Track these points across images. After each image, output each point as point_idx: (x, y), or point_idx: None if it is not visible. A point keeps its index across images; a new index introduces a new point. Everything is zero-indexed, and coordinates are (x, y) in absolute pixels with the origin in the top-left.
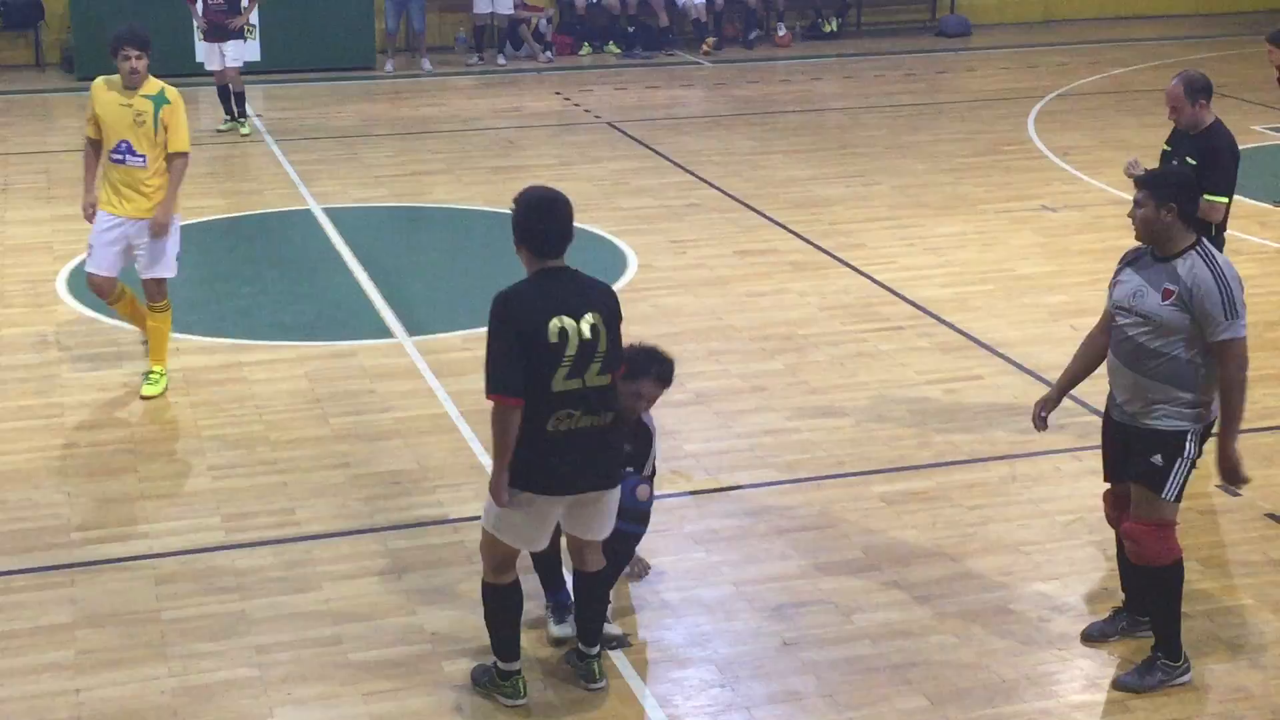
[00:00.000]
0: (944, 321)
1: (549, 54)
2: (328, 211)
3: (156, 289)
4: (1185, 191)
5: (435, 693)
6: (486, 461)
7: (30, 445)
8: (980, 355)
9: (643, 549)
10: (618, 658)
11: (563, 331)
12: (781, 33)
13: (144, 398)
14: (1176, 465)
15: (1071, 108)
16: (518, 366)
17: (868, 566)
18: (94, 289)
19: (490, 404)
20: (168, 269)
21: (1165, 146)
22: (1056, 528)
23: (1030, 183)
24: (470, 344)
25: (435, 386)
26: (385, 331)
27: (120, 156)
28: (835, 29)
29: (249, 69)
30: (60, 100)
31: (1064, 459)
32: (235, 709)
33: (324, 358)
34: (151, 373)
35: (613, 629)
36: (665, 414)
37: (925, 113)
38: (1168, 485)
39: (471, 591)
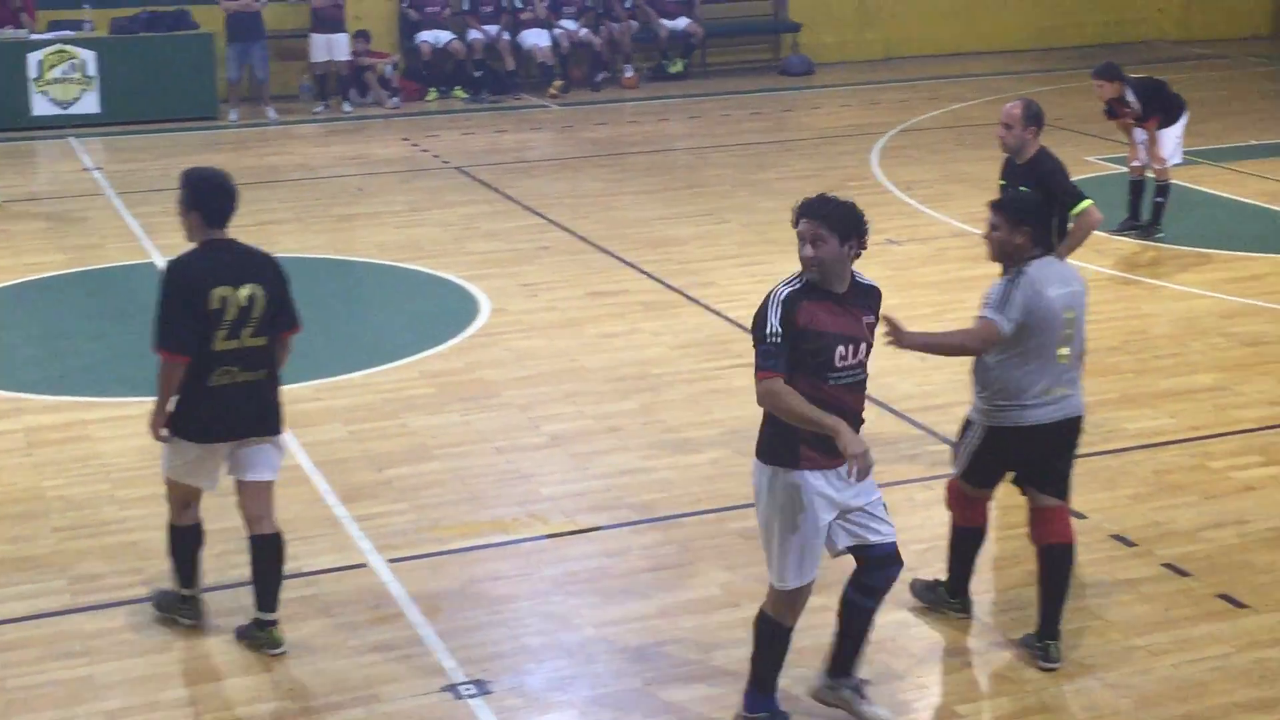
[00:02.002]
0: None
1: (395, 100)
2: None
3: None
4: (1039, 214)
5: None
6: (342, 514)
7: None
8: None
9: (501, 595)
10: (479, 705)
11: (224, 299)
12: (628, 74)
13: None
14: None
15: (913, 143)
16: (186, 327)
17: (727, 603)
18: None
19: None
20: None
21: (1001, 181)
22: (911, 556)
23: (875, 217)
24: (323, 394)
25: (287, 437)
26: None
27: None
28: (681, 70)
29: (91, 121)
30: None
31: (916, 489)
32: None
33: None
34: None
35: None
36: (521, 458)
37: (772, 150)
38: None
39: (331, 645)
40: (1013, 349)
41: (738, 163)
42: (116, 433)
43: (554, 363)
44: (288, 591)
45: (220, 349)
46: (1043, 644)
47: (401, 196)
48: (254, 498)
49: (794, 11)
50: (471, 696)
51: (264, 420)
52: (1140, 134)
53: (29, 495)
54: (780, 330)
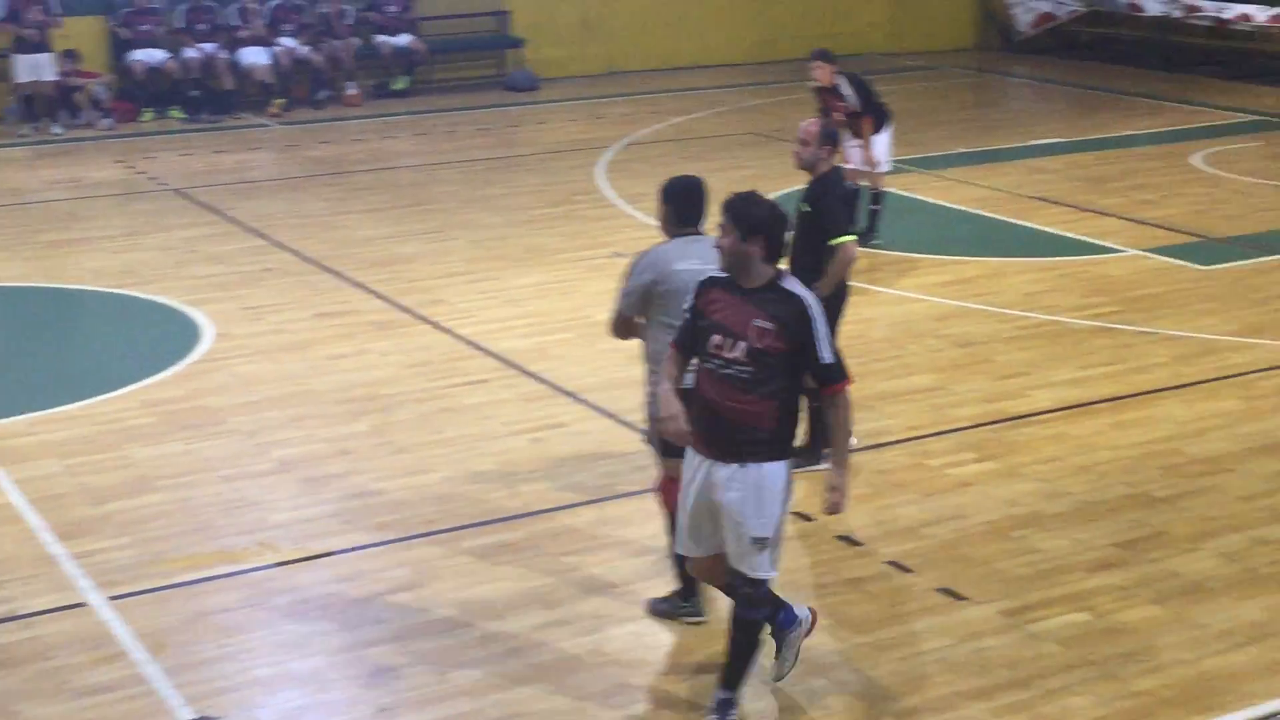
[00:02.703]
0: (526, 372)
1: (108, 121)
2: None
3: None
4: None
5: None
6: (58, 551)
7: None
8: (563, 403)
9: (230, 626)
10: None
11: None
12: (351, 91)
13: None
14: None
15: (637, 156)
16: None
17: (462, 623)
18: None
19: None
20: None
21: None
22: (642, 567)
23: (602, 230)
24: (36, 427)
25: (0, 476)
26: None
27: None
28: (405, 86)
29: None
30: None
31: (646, 500)
32: None
33: None
34: None
35: None
36: (249, 485)
37: (498, 166)
38: None
39: (48, 690)
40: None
41: (464, 179)
42: None
43: (281, 386)
44: (2, 634)
45: None
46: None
47: (117, 220)
48: None
49: (517, 27)
50: None
51: None
52: (852, 142)
53: None
54: (690, 307)
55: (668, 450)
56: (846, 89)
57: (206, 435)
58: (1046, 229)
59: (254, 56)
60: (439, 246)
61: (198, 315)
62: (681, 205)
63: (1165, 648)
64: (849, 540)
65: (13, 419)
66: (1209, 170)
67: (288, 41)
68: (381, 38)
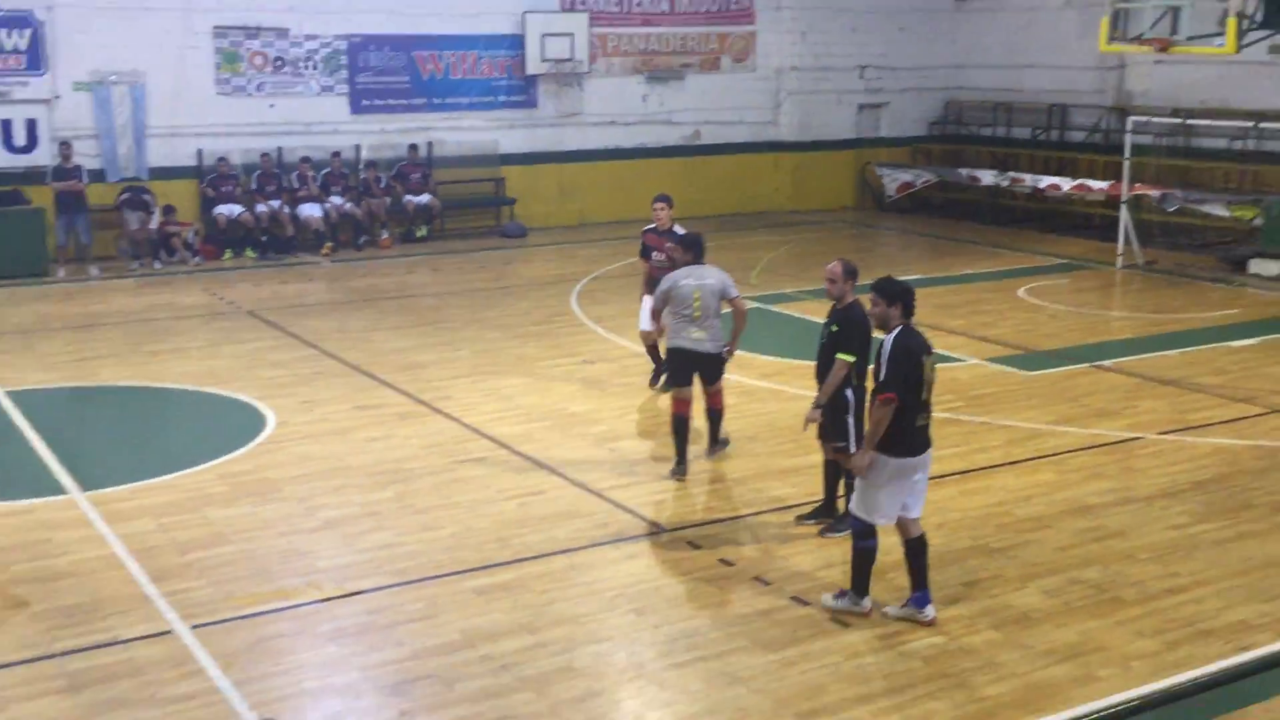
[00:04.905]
0: (516, 451)
1: (197, 259)
2: (7, 395)
3: None
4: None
5: None
6: (151, 591)
7: None
8: (543, 475)
9: (284, 649)
10: None
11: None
12: (384, 237)
13: None
14: None
15: (602, 287)
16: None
17: (464, 645)
18: None
19: None
20: None
21: (827, 318)
22: (604, 602)
23: (575, 344)
24: (137, 495)
25: (105, 531)
26: (59, 489)
27: None
28: (425, 234)
29: None
30: None
31: (608, 549)
32: None
33: (3, 515)
34: None
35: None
36: (301, 539)
37: (496, 294)
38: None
39: (143, 699)
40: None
41: (469, 304)
42: None
43: (326, 463)
44: (103, 656)
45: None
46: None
47: (202, 335)
48: None
49: (510, 189)
50: None
51: None
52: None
53: None
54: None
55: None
56: (680, 232)
57: (268, 500)
58: None
59: (310, 210)
60: (449, 355)
61: (263, 408)
62: (696, 250)
63: (1003, 663)
64: (761, 580)
65: (118, 488)
66: (1031, 300)
67: (336, 200)
68: (408, 197)
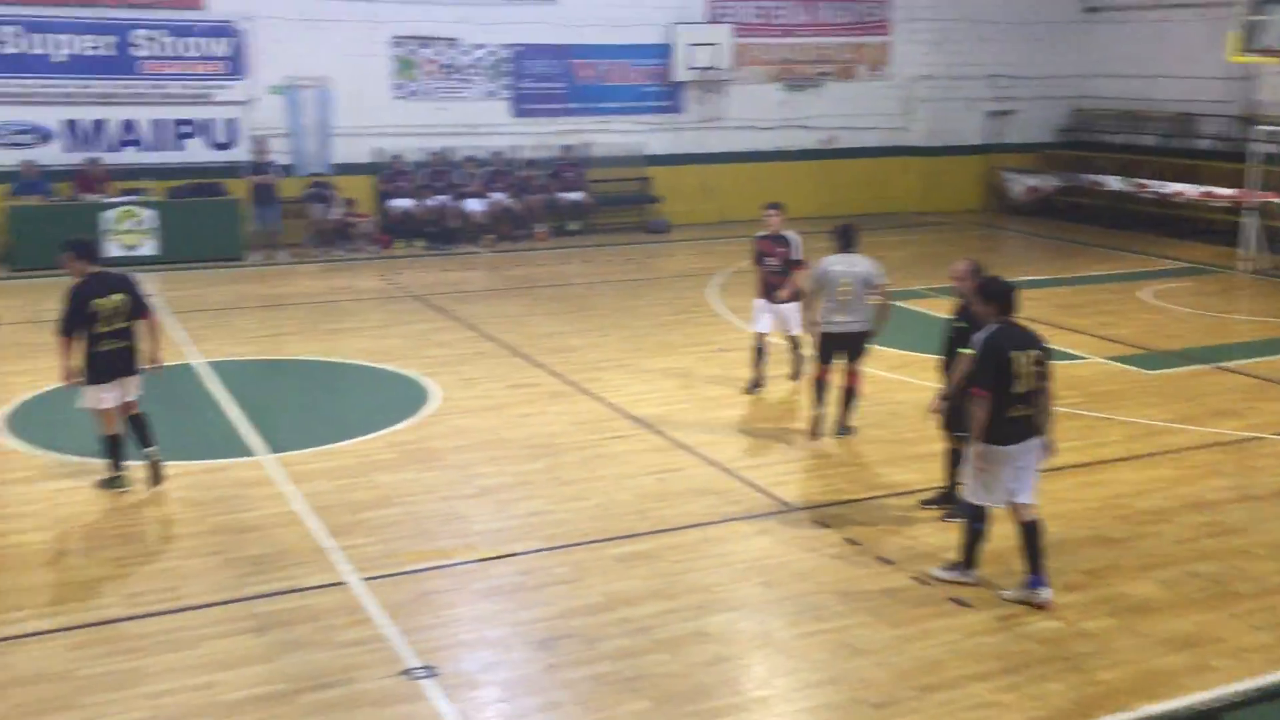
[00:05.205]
0: (656, 430)
1: (374, 247)
2: (207, 365)
3: None
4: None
5: None
6: (327, 545)
7: None
8: (681, 453)
9: (443, 603)
10: (429, 685)
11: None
12: (540, 230)
13: None
14: None
15: (739, 280)
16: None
17: (606, 607)
18: None
19: None
20: None
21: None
22: (734, 573)
23: (712, 332)
24: (316, 458)
25: (289, 490)
26: (251, 451)
27: None
28: (577, 228)
29: (150, 261)
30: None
31: (739, 524)
32: None
33: (202, 472)
34: None
35: None
36: (460, 504)
37: (641, 285)
38: None
39: (317, 641)
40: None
41: (616, 293)
42: (161, 485)
43: (483, 435)
44: (285, 602)
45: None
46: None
47: (376, 316)
48: None
49: (655, 188)
50: (423, 678)
51: None
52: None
53: (95, 533)
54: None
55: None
56: (793, 237)
57: (430, 468)
58: None
59: (474, 205)
60: (597, 340)
61: (429, 383)
62: (846, 239)
63: (1119, 650)
64: (885, 560)
65: (301, 451)
66: (1154, 302)
67: (497, 195)
68: (562, 194)
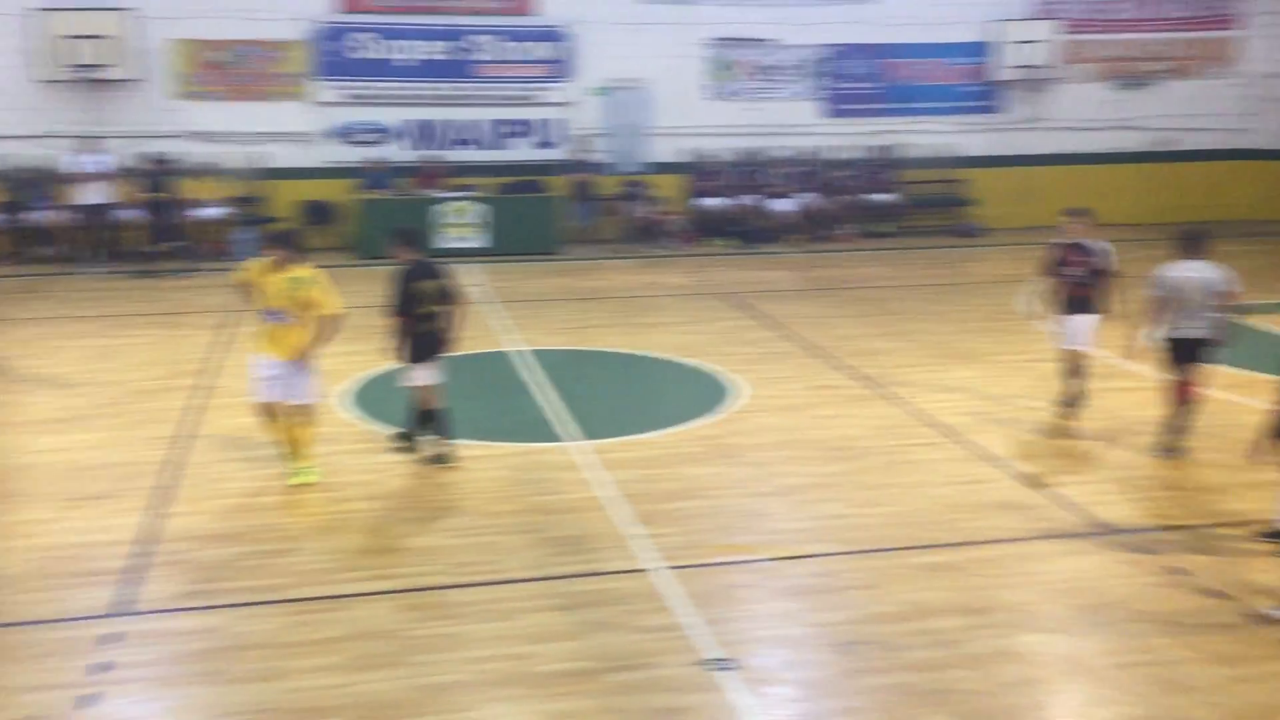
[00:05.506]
0: (961, 439)
1: (685, 245)
2: (524, 353)
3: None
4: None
5: (599, 698)
6: (631, 532)
7: (319, 509)
8: (986, 465)
9: (742, 598)
10: (728, 677)
11: None
12: (847, 232)
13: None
14: None
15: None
16: None
17: (907, 616)
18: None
19: None
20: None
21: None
22: (1045, 593)
23: (1023, 341)
24: (626, 448)
25: (597, 477)
26: (565, 436)
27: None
28: (888, 230)
29: (480, 253)
30: (347, 272)
31: (1051, 543)
32: (454, 703)
33: (519, 455)
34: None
35: None
36: (761, 502)
37: (948, 290)
38: None
39: (626, 624)
40: None
41: (923, 297)
42: (482, 466)
43: (784, 434)
44: (591, 584)
45: None
46: None
47: (682, 312)
48: None
49: (970, 191)
50: (722, 669)
51: None
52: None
53: (426, 504)
54: None
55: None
56: (1098, 246)
57: (732, 463)
58: None
59: (782, 205)
60: (902, 344)
61: (733, 380)
62: (1192, 245)
63: None
64: (1215, 593)
65: (611, 439)
66: None
67: (806, 195)
68: (873, 195)
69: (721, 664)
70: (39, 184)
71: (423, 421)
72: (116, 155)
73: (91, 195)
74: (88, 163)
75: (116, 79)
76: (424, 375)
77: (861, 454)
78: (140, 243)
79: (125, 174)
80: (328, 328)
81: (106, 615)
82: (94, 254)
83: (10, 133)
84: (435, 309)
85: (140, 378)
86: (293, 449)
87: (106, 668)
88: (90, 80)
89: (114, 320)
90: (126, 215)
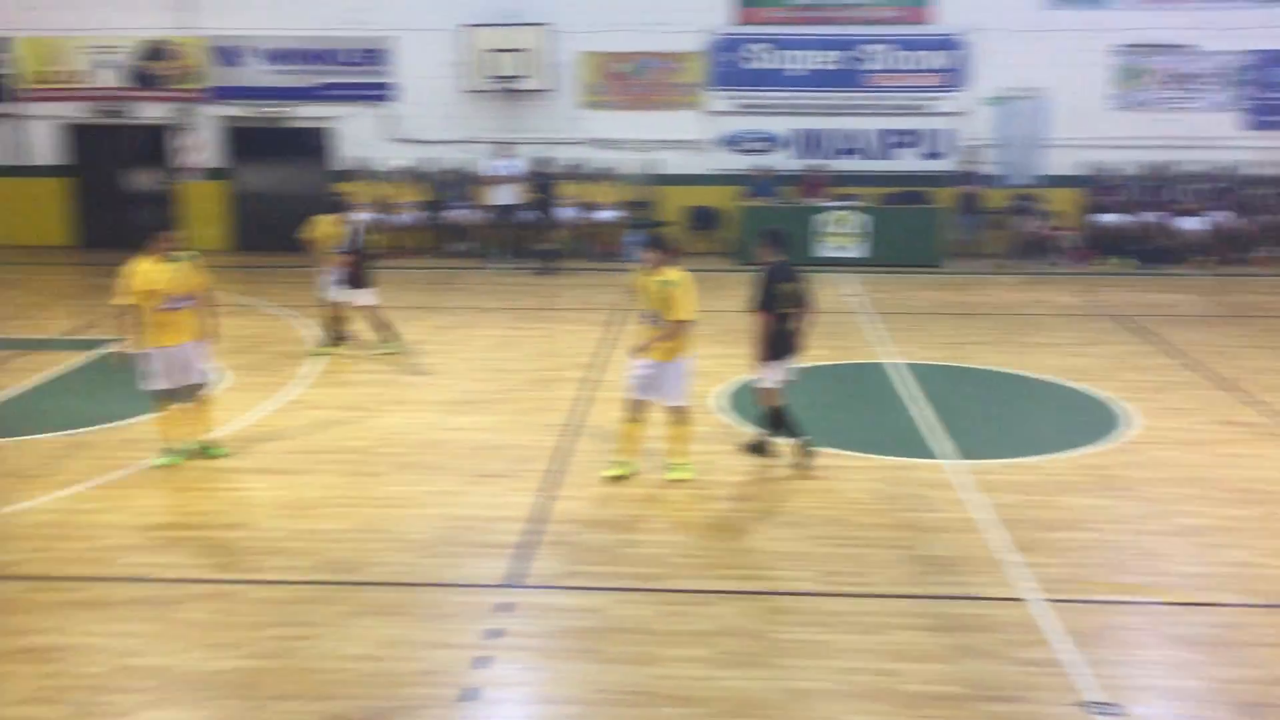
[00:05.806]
0: None
1: (1075, 263)
2: (899, 366)
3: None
4: None
5: None
6: (1007, 559)
7: (691, 506)
8: None
9: (1129, 642)
10: (1119, 717)
11: None
12: (1260, 255)
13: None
14: None
15: None
16: None
17: None
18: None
19: None
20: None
21: None
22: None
23: None
24: (1009, 470)
25: (973, 499)
26: (939, 453)
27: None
28: None
29: (859, 263)
30: (727, 278)
31: None
32: (818, 710)
33: (891, 469)
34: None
35: None
36: (1155, 541)
37: None
38: None
39: (993, 651)
40: None
41: None
42: (852, 476)
43: (1184, 470)
44: (963, 607)
45: None
46: None
47: (1070, 333)
48: None
49: None
50: (1102, 715)
51: None
52: None
53: (795, 510)
54: None
55: None
56: None
57: (1121, 497)
58: None
59: (1190, 223)
60: None
61: (1124, 408)
62: None
63: None
64: None
65: (988, 461)
66: None
67: (1219, 215)
68: None
69: (1103, 709)
70: (458, 185)
71: (774, 424)
72: (524, 160)
73: (502, 197)
74: (500, 167)
75: (531, 89)
76: (773, 374)
77: (1274, 499)
78: (538, 242)
79: (529, 178)
80: (674, 331)
81: (501, 585)
82: (501, 251)
83: (439, 138)
84: (790, 310)
85: (535, 368)
86: (670, 447)
87: (499, 634)
88: (508, 90)
89: (515, 313)
90: (528, 215)
